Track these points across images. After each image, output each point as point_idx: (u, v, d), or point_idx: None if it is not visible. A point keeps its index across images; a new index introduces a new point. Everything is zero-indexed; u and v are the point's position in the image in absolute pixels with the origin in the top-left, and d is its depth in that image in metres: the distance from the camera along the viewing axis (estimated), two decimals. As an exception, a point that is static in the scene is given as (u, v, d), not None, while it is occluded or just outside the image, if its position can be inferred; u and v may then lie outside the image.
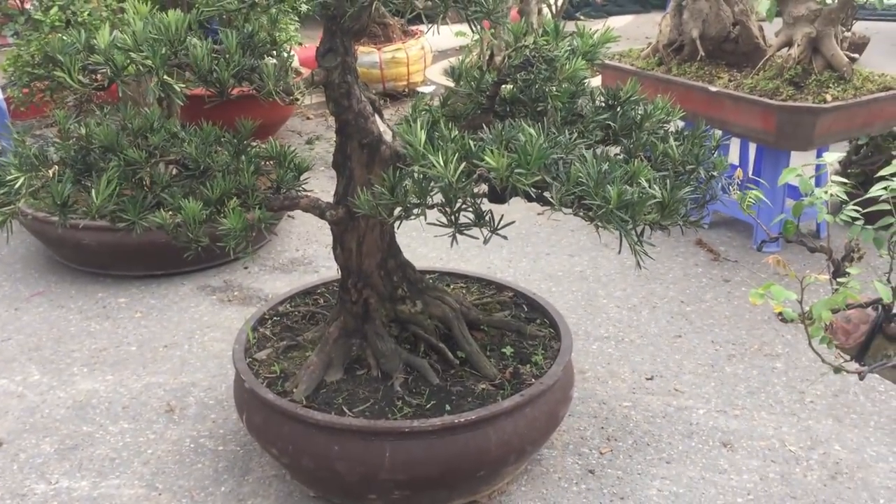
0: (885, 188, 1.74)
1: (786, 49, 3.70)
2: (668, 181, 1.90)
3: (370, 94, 2.31)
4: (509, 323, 2.59)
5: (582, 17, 10.13)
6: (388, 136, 2.32)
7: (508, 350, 2.48)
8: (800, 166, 1.94)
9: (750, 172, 4.29)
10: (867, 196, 1.79)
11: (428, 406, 2.25)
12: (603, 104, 2.27)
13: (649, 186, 1.86)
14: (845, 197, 1.84)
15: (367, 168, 2.29)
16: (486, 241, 1.98)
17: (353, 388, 2.35)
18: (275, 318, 2.71)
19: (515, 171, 1.78)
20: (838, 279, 1.84)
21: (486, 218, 2.00)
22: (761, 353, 3.10)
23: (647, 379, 2.96)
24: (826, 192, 1.82)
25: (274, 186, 2.38)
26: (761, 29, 3.97)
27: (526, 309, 2.74)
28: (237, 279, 3.73)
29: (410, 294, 2.48)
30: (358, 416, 2.22)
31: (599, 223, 1.82)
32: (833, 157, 1.94)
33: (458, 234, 1.97)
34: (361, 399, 2.29)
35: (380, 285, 2.43)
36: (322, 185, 4.47)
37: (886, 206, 1.75)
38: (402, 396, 2.29)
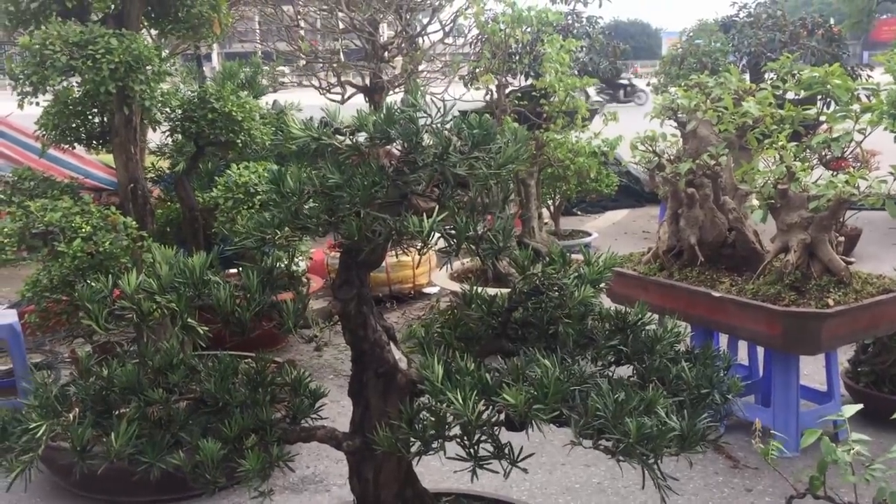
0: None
1: (783, 254, 3.81)
2: (685, 410, 1.91)
3: (385, 322, 2.36)
4: (531, 550, 2.51)
5: (579, 213, 10.50)
6: (403, 365, 2.35)
7: None
8: (819, 423, 1.96)
9: (761, 372, 4.30)
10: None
11: None
12: (613, 327, 2.31)
13: (667, 416, 1.87)
14: (868, 454, 1.85)
15: (384, 397, 2.30)
16: (506, 475, 1.96)
17: None
18: None
19: (534, 406, 1.79)
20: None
21: (506, 450, 2.00)
22: (793, 570, 2.98)
23: None
24: (849, 451, 1.82)
25: (289, 416, 2.38)
26: (756, 234, 4.10)
27: (546, 532, 2.66)
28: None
29: (429, 527, 2.42)
30: None
31: (622, 458, 1.81)
32: (852, 409, 1.97)
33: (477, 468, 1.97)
34: None
35: (398, 517, 2.38)
36: (333, 395, 4.46)
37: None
38: None
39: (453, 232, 2.04)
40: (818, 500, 2.09)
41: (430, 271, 6.92)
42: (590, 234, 7.90)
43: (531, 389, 1.81)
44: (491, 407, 1.84)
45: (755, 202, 4.08)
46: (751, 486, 3.60)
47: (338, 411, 4.06)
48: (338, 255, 7.13)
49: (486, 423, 1.81)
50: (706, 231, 4.09)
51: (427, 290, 7.02)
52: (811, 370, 4.50)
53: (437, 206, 2.11)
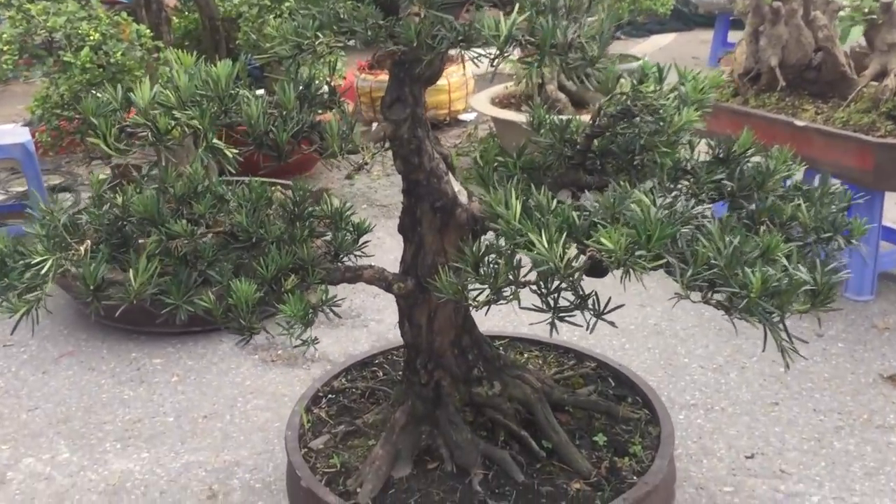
0: None
1: (879, 79, 3.36)
2: (813, 258, 1.58)
3: (443, 149, 2.02)
4: (598, 403, 2.27)
5: (623, 37, 9.82)
6: (463, 198, 2.02)
7: (601, 438, 2.15)
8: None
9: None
10: None
11: (515, 512, 1.94)
12: (713, 157, 1.95)
13: (790, 264, 1.55)
14: None
15: (440, 234, 1.99)
16: (591, 329, 1.67)
17: (425, 486, 2.03)
18: (329, 395, 2.41)
19: (636, 253, 1.47)
20: None
21: (591, 301, 1.70)
22: (872, 425, 2.75)
23: (748, 457, 2.62)
24: None
25: (331, 252, 2.09)
26: (847, 55, 3.63)
27: (613, 383, 2.42)
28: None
29: (487, 374, 2.17)
30: (435, 525, 1.91)
31: (739, 315, 1.51)
32: None
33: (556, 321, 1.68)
34: (437, 503, 1.98)
35: (453, 366, 2.13)
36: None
37: None
38: (485, 499, 1.97)
39: (533, 39, 1.64)
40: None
41: (468, 96, 6.47)
42: (638, 59, 7.34)
43: (632, 231, 1.48)
44: (582, 254, 1.52)
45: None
46: (822, 330, 3.33)
47: (374, 244, 3.78)
48: (370, 76, 6.67)
49: (574, 271, 1.50)
50: (790, 52, 3.62)
51: (463, 116, 6.60)
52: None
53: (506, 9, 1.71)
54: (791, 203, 1.82)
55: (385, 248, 4.06)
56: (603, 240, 1.46)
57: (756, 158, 1.94)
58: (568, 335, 3.21)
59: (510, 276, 1.64)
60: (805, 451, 2.64)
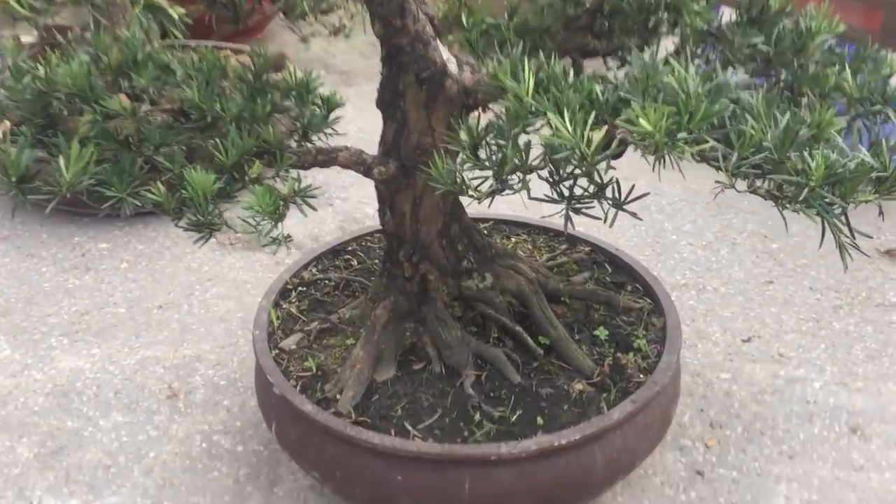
0: None
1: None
2: (881, 140, 1.35)
3: (428, 8, 1.71)
4: (597, 293, 2.07)
5: None
6: (452, 67, 1.73)
7: (602, 332, 1.97)
8: None
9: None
10: None
11: (514, 418, 1.76)
12: (744, 17, 1.68)
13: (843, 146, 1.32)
14: None
15: (427, 110, 1.71)
16: (611, 223, 1.44)
17: (412, 390, 1.84)
18: (300, 288, 2.18)
19: (678, 135, 1.22)
20: None
21: (612, 190, 1.47)
22: (871, 303, 2.63)
23: (744, 341, 2.49)
24: None
25: (298, 132, 1.80)
26: None
27: (609, 269, 2.22)
28: (238, 214, 3.16)
29: (478, 265, 1.95)
30: (426, 435, 1.73)
31: (793, 207, 1.29)
32: None
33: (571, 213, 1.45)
34: (426, 409, 1.79)
35: (441, 258, 1.90)
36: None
37: None
38: (479, 404, 1.79)
39: None
40: None
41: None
42: None
43: (671, 109, 1.23)
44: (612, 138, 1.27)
45: None
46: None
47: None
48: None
49: (602, 158, 1.25)
50: None
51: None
52: None
53: None
54: (832, 69, 1.58)
55: (347, 119, 3.74)
56: (640, 120, 1.21)
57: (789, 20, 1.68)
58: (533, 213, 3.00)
59: (518, 162, 1.39)
60: (804, 332, 2.51)
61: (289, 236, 1.51)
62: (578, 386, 1.84)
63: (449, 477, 1.67)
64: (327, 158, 1.73)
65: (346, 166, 1.75)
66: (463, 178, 1.40)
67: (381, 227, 1.95)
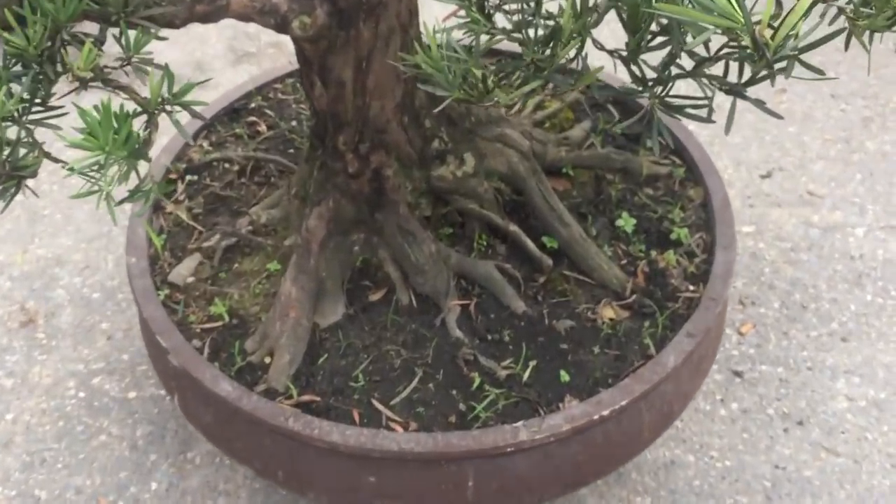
0: None
1: None
2: None
3: None
4: (610, 158, 1.49)
5: None
6: None
7: (627, 221, 1.41)
8: None
9: None
10: None
11: (527, 375, 1.23)
12: None
13: None
14: None
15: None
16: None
17: (373, 340, 1.28)
18: (189, 175, 1.52)
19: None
20: None
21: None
22: (906, 112, 2.14)
23: (763, 176, 1.98)
24: None
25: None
26: None
27: (615, 113, 1.62)
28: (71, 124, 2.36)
29: (453, 143, 1.33)
30: (405, 417, 1.19)
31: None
32: None
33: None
34: (399, 370, 1.24)
35: (402, 142, 1.26)
36: None
37: None
38: (474, 356, 1.25)
39: None
40: None
41: None
42: None
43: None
44: None
45: None
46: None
47: None
48: None
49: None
50: None
51: None
52: None
53: None
54: None
55: None
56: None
57: None
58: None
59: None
60: (833, 158, 2.01)
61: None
62: (608, 312, 1.31)
63: (445, 475, 1.17)
64: (212, 8, 1.02)
65: (245, 18, 1.05)
66: (484, 73, 0.77)
67: (294, 72, 1.29)
